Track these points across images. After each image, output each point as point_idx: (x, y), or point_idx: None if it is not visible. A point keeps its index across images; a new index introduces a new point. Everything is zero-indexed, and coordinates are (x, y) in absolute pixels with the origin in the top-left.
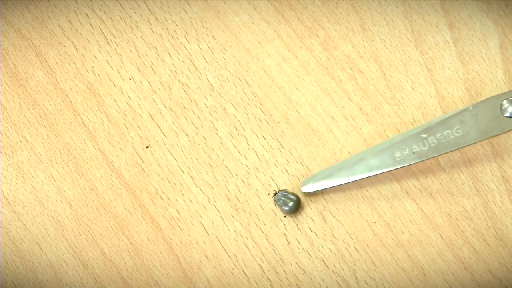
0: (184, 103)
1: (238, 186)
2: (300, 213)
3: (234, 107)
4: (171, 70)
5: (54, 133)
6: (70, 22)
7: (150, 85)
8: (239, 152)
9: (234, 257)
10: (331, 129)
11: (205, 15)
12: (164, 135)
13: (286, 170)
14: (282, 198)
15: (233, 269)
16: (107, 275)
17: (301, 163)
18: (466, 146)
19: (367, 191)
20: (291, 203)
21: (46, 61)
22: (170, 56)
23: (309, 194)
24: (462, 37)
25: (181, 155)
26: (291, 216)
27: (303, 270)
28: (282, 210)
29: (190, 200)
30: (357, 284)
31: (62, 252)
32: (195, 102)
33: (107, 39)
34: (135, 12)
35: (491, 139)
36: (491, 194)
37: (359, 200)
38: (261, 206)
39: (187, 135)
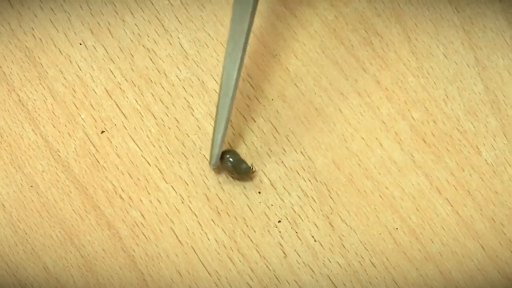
0: (151, 75)
1: (220, 183)
2: (298, 219)
3: (215, 80)
4: (133, 33)
5: None
6: None
7: (107, 52)
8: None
9: (215, 274)
10: (340, 108)
11: None
12: (125, 117)
13: (282, 162)
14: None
15: None
16: None
17: (301, 152)
18: None
19: (387, 188)
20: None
21: None
22: (132, 14)
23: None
24: None
25: (146, 142)
26: (288, 221)
27: None
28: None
29: (158, 200)
30: None
31: None
32: (164, 73)
33: None
34: None
35: None
36: None
37: (377, 200)
38: (249, 208)
39: (154, 116)
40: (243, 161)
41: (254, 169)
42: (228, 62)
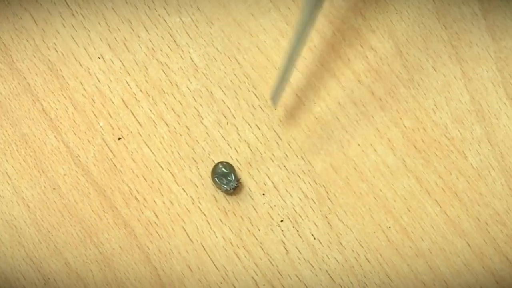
0: (163, 86)
1: None
2: (299, 218)
3: (223, 91)
4: (147, 47)
5: (9, 122)
6: None
7: (123, 65)
8: (228, 145)
9: (223, 269)
10: (338, 117)
11: None
12: (140, 125)
13: (284, 166)
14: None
15: (221, 283)
16: None
17: (302, 157)
18: None
19: (381, 190)
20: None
21: (0, 37)
22: (147, 30)
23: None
24: (493, 8)
25: (159, 148)
26: (290, 220)
27: (305, 284)
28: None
29: (171, 202)
30: None
31: (18, 263)
32: (176, 85)
33: (72, 10)
34: None
35: None
36: None
37: (371, 201)
38: (254, 209)
39: (166, 124)
40: (223, 183)
41: (230, 188)
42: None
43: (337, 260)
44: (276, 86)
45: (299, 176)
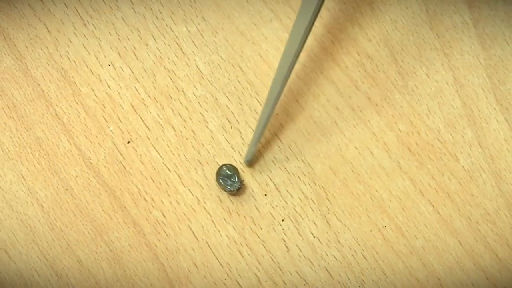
0: (171, 92)
1: None
2: (299, 218)
3: (227, 97)
4: (155, 55)
5: (24, 126)
6: (41, 1)
7: (132, 72)
8: (232, 148)
9: (227, 266)
10: (336, 121)
11: None
12: (148, 129)
13: (286, 168)
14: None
15: (225, 279)
16: (83, 286)
17: (302, 160)
18: None
19: (377, 191)
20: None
21: (15, 45)
22: (155, 39)
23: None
24: (483, 17)
25: (167, 151)
26: (290, 220)
27: (305, 280)
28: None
29: (177, 202)
30: None
31: (33, 260)
32: (182, 91)
33: (83, 20)
34: None
35: None
36: None
37: (368, 202)
38: (257, 208)
39: (173, 128)
40: (226, 185)
41: (234, 189)
42: (277, 74)
43: (335, 258)
44: (251, 148)
45: (299, 178)
